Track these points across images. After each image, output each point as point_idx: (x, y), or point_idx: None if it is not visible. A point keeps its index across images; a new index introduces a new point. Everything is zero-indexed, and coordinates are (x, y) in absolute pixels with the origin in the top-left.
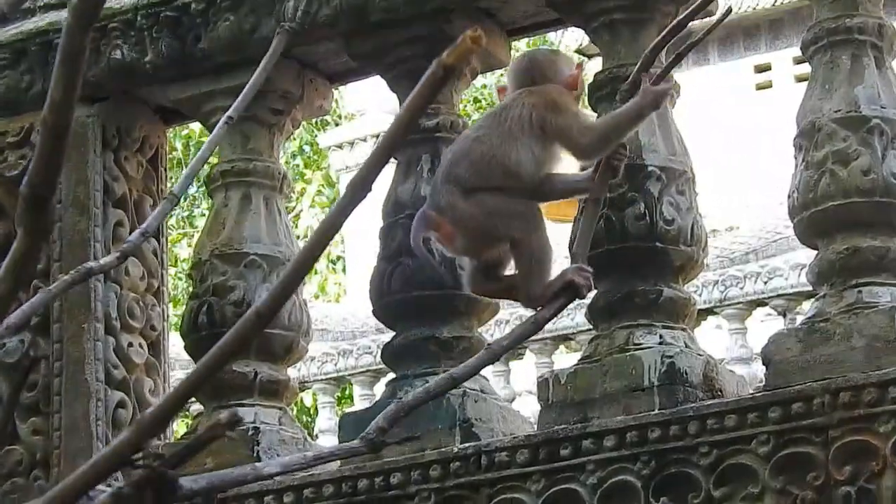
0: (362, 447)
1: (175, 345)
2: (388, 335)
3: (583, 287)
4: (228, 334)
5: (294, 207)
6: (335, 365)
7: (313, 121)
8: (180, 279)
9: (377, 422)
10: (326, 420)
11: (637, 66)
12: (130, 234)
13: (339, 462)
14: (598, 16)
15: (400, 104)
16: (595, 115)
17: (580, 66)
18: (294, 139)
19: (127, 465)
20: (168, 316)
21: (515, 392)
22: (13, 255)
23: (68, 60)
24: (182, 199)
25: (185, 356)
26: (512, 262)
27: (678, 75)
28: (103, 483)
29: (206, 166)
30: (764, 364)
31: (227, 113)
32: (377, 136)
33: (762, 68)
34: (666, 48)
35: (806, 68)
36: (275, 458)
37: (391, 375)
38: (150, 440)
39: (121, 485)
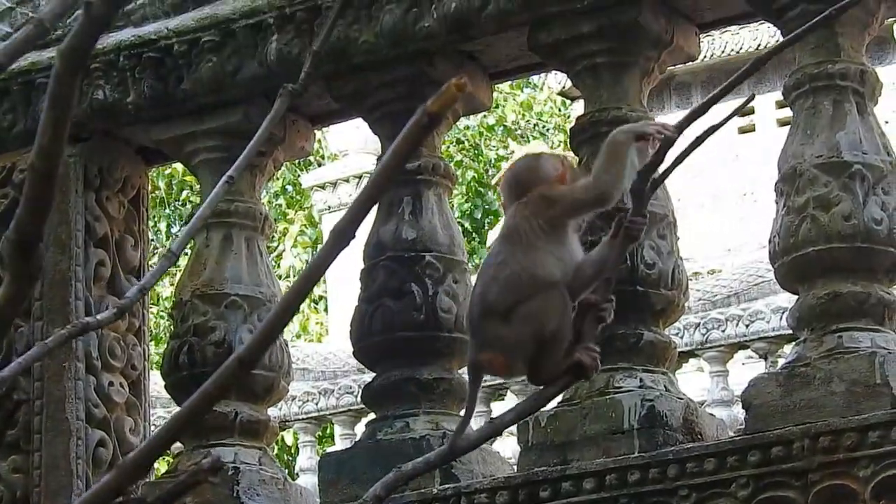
0: None
1: (156, 383)
2: (370, 375)
3: (589, 368)
4: (210, 381)
5: (276, 247)
6: (316, 404)
7: (296, 161)
8: (162, 318)
9: (375, 489)
10: (307, 459)
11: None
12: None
13: None
14: (580, 59)
15: (382, 146)
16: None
17: (563, 161)
18: (276, 179)
19: None
20: (149, 355)
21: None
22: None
23: (56, 105)
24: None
25: (167, 394)
26: None
27: (661, 118)
28: None
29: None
30: (744, 408)
31: (228, 173)
32: (360, 177)
33: (745, 112)
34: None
35: (789, 112)
36: (255, 497)
37: (372, 417)
38: (133, 483)
39: None
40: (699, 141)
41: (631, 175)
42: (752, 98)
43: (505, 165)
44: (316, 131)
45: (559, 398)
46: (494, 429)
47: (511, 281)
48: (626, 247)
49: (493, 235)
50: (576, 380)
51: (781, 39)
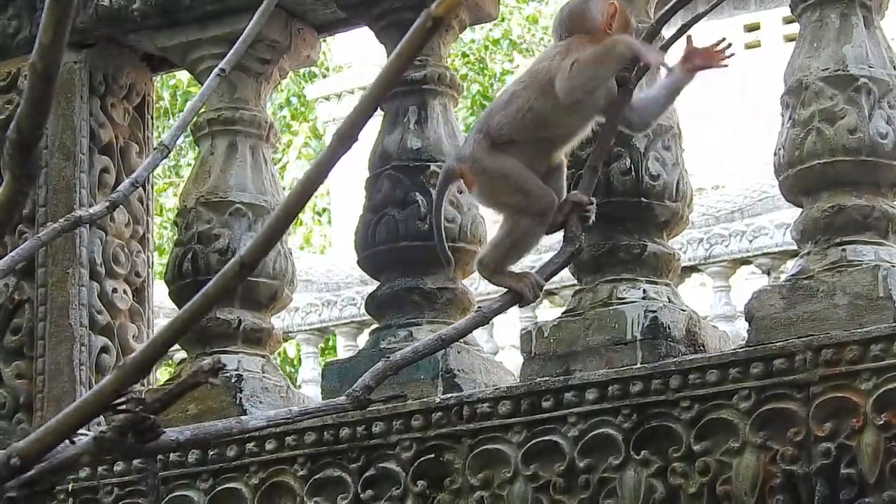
0: (348, 404)
1: (160, 293)
2: (373, 287)
3: (524, 299)
4: (211, 283)
5: (280, 159)
6: (319, 316)
7: (300, 72)
8: (165, 228)
9: (364, 379)
10: (310, 370)
11: (641, 38)
12: (116, 180)
13: None
14: None
15: (388, 56)
16: None
17: (613, 4)
18: (281, 91)
19: (109, 409)
20: (153, 264)
21: (499, 345)
22: None
23: (57, 6)
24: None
25: (170, 304)
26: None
27: (666, 33)
28: (86, 427)
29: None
30: (747, 320)
31: (220, 65)
32: (364, 89)
33: (751, 27)
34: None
35: (795, 28)
36: (257, 405)
37: (375, 326)
38: (133, 386)
39: (103, 429)
40: (683, 29)
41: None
42: None
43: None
44: (321, 40)
45: (563, 308)
46: (482, 317)
47: (516, 116)
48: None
49: None
50: (513, 304)
51: None
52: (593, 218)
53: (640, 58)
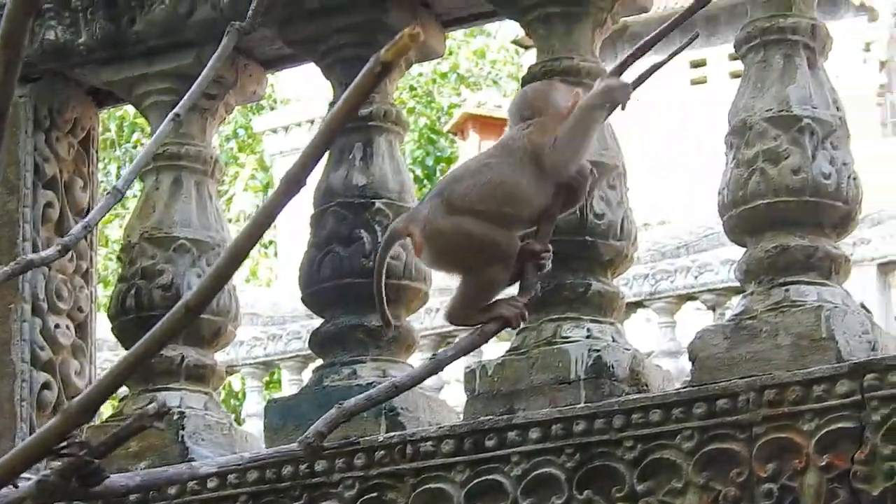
0: (301, 451)
1: (103, 325)
2: (318, 321)
3: (513, 320)
4: (157, 327)
5: (227, 191)
6: (264, 349)
7: (248, 105)
8: (111, 260)
9: (316, 427)
10: (255, 404)
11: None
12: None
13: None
14: (532, 9)
15: (334, 91)
16: None
17: (577, 93)
18: (228, 123)
19: (53, 453)
20: (96, 298)
21: (444, 381)
22: None
23: (8, 45)
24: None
25: (113, 337)
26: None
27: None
28: (29, 471)
29: (138, 147)
30: (690, 360)
31: (175, 110)
32: (311, 122)
33: (697, 64)
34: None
35: (741, 65)
36: (200, 442)
37: (319, 363)
38: (78, 428)
39: (46, 472)
40: (641, 78)
41: (593, 145)
42: (696, 36)
43: (457, 112)
44: (268, 76)
45: (507, 346)
46: (437, 364)
47: (485, 186)
48: (605, 112)
49: None
50: (501, 329)
51: None
52: (549, 266)
53: (617, 103)
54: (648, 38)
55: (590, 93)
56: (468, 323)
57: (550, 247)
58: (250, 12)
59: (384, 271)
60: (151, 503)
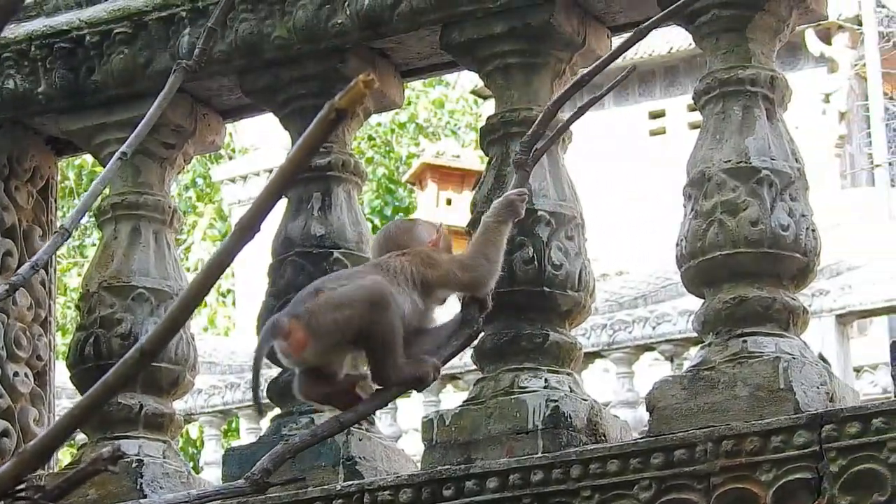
0: (247, 487)
1: (62, 373)
2: (276, 370)
3: (424, 382)
4: (112, 371)
5: (185, 240)
6: (222, 398)
7: (207, 154)
8: (69, 308)
9: (262, 463)
10: (212, 453)
11: (538, 121)
12: (19, 263)
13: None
14: (491, 59)
15: (292, 141)
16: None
17: (439, 230)
18: (187, 172)
19: (8, 496)
20: (55, 346)
21: (402, 429)
22: None
23: None
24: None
25: (72, 386)
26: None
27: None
28: None
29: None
30: (648, 410)
31: (122, 149)
32: (270, 171)
33: (656, 114)
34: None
35: (700, 116)
36: (158, 490)
37: (277, 412)
38: (32, 472)
39: None
40: (581, 111)
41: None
42: (633, 69)
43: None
44: (227, 125)
45: (465, 396)
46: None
47: (359, 290)
48: (475, 312)
49: None
50: (412, 388)
51: (692, 44)
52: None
53: (518, 215)
54: (585, 72)
55: (492, 209)
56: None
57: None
58: (196, 50)
59: (261, 367)
60: None
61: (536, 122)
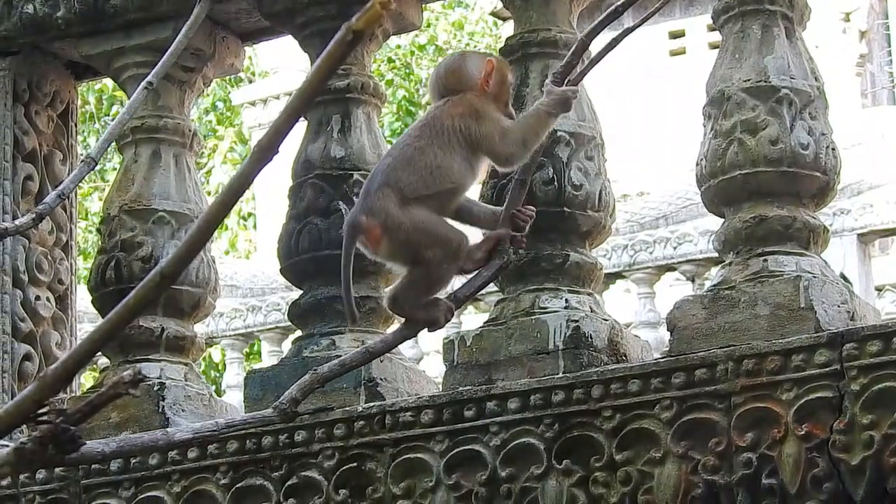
0: (275, 416)
1: (83, 298)
2: (298, 293)
3: (438, 326)
4: (132, 294)
5: (206, 164)
6: (244, 321)
7: (227, 77)
8: (90, 232)
9: (291, 392)
10: (234, 376)
11: (571, 51)
12: (40, 188)
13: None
14: None
15: (311, 64)
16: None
17: (490, 62)
18: (207, 95)
19: (30, 420)
20: (76, 270)
21: (423, 352)
22: None
23: None
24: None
25: (94, 310)
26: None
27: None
28: (6, 437)
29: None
30: (668, 330)
31: (147, 78)
32: (290, 94)
33: (676, 34)
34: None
35: (720, 36)
36: (180, 413)
37: (298, 335)
38: (54, 396)
39: (24, 439)
40: (613, 43)
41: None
42: (666, 1)
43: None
44: (246, 48)
45: (485, 317)
46: (412, 330)
47: (425, 171)
48: (557, 119)
49: None
50: (418, 331)
51: None
52: (527, 229)
53: (569, 108)
54: (618, 4)
55: (544, 98)
56: (409, 315)
57: (532, 208)
58: None
59: (350, 267)
60: (133, 472)
61: (570, 53)
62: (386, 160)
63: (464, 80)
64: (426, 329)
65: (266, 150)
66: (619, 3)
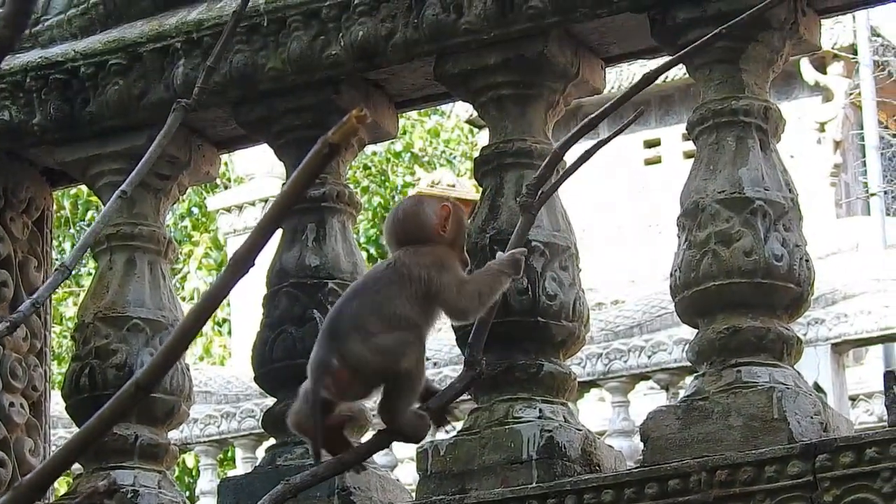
0: None
1: (58, 403)
2: (272, 400)
3: (420, 439)
4: (108, 404)
5: (181, 269)
6: (218, 427)
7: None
8: (65, 337)
9: (263, 502)
10: (208, 482)
11: (545, 163)
12: (14, 295)
13: None
14: (485, 91)
15: (287, 172)
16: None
17: (446, 206)
18: (182, 201)
19: None
20: (51, 376)
21: (397, 459)
22: None
23: None
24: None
25: (68, 416)
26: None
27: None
28: None
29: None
30: (642, 440)
31: (122, 187)
32: (266, 201)
33: (651, 143)
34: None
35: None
36: None
37: (272, 443)
38: None
39: None
40: (587, 155)
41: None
42: (640, 113)
43: (411, 192)
44: (221, 156)
45: (459, 426)
46: (380, 441)
47: (393, 321)
48: (510, 281)
49: None
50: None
51: (686, 74)
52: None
53: (520, 268)
54: (593, 115)
55: (496, 261)
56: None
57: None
58: (196, 89)
59: (319, 406)
60: None
61: (543, 165)
62: (353, 301)
63: (420, 225)
64: (409, 442)
65: (242, 263)
66: (593, 114)
